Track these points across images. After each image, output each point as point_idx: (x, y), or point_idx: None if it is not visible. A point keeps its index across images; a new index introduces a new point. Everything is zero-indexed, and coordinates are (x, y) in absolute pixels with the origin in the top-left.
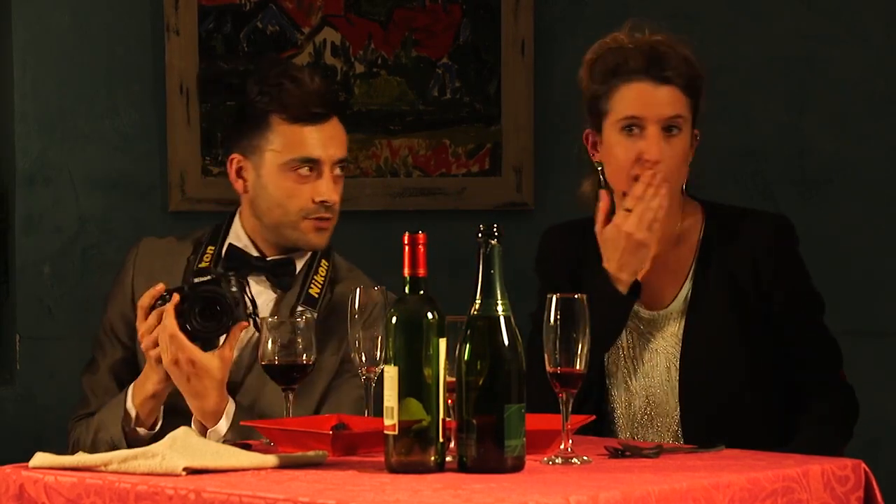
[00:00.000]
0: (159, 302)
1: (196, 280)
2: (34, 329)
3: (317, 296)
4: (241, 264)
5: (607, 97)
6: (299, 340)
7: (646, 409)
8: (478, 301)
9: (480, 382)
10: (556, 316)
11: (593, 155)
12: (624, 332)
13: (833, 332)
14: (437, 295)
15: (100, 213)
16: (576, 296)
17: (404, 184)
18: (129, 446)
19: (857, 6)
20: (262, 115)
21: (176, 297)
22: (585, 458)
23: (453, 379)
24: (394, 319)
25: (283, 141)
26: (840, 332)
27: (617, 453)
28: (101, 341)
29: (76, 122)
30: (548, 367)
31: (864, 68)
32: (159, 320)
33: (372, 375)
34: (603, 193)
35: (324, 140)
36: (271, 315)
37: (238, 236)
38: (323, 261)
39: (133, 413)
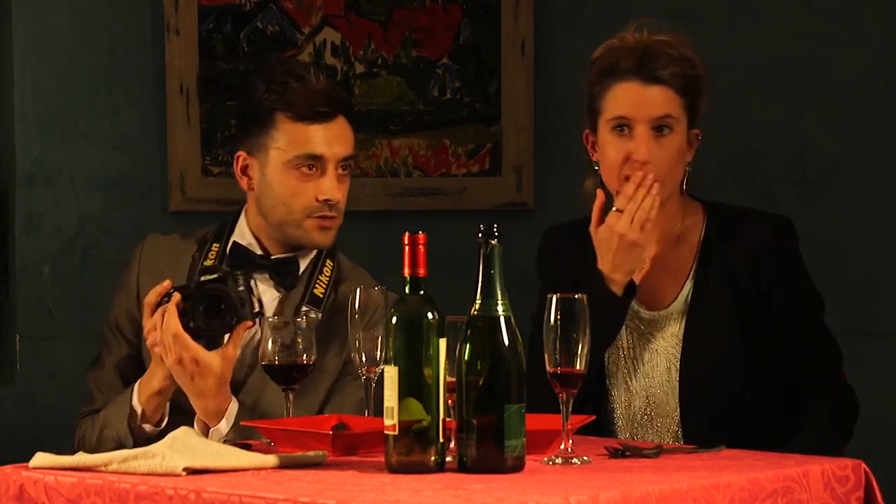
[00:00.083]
0: (165, 299)
1: (203, 278)
2: (34, 329)
3: (321, 296)
4: (244, 262)
5: (601, 97)
6: (300, 340)
7: (646, 409)
8: (478, 301)
9: (480, 382)
10: (556, 316)
11: (592, 155)
12: (624, 332)
13: (833, 332)
14: (437, 295)
15: (100, 213)
16: (576, 296)
17: (404, 184)
18: (136, 443)
19: (857, 6)
20: (268, 113)
21: (177, 296)
22: (585, 458)
23: (453, 379)
24: (394, 319)
25: (288, 139)
26: (840, 332)
27: (617, 453)
28: (106, 338)
29: (76, 122)
30: (548, 367)
31: (864, 68)
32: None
33: (372, 376)
34: (599, 193)
35: (328, 138)
36: (275, 314)
37: (243, 234)
38: (328, 261)
39: (139, 410)
